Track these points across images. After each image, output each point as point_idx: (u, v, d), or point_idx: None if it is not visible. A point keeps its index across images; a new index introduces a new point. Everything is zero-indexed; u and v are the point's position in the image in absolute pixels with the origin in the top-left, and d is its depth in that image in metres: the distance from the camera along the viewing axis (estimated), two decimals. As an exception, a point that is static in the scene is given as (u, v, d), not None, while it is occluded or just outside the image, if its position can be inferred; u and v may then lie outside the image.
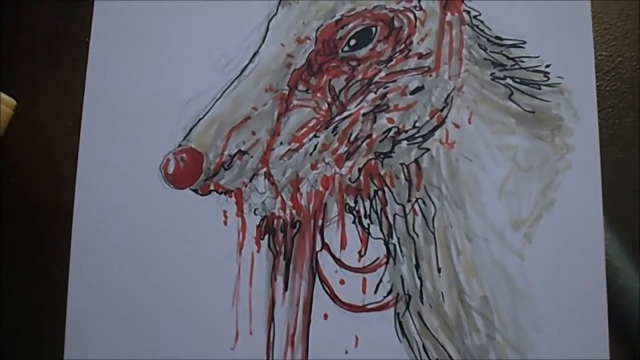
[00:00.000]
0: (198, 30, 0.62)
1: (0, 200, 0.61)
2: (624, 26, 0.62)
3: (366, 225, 0.58)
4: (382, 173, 0.58)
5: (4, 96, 0.61)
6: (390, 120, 0.58)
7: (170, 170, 0.57)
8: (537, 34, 0.60)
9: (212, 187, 0.58)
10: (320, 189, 0.58)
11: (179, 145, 0.58)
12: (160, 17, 0.63)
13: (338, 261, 0.58)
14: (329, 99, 0.58)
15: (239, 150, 0.57)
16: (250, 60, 0.60)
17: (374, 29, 0.59)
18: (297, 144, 0.58)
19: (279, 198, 0.58)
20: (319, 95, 0.58)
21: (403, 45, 0.59)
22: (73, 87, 0.62)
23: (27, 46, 0.64)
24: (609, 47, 0.62)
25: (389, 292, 0.58)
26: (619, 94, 0.61)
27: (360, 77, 0.59)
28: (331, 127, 0.58)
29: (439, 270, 0.58)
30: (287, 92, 0.58)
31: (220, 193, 0.58)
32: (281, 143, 0.58)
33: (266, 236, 0.58)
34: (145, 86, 0.61)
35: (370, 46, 0.59)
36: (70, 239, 0.59)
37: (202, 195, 0.58)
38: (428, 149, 0.58)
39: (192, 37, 0.62)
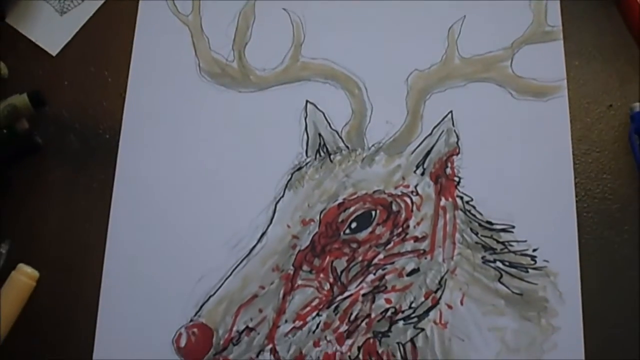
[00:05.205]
0: (210, 212, 0.67)
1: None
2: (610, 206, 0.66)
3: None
4: (380, 351, 0.62)
5: (27, 268, 0.66)
6: (388, 300, 0.62)
7: (182, 343, 0.61)
8: (525, 219, 0.65)
9: (220, 362, 0.61)
10: (323, 366, 0.62)
11: (191, 320, 0.62)
12: (174, 199, 0.67)
13: None
14: (331, 280, 0.62)
15: (247, 327, 0.61)
16: (259, 241, 0.65)
17: (373, 212, 0.64)
18: (301, 322, 0.62)
19: (284, 374, 0.62)
20: (322, 275, 0.62)
21: (400, 229, 0.64)
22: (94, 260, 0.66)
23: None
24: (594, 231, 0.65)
25: None
26: (603, 277, 0.63)
27: (360, 258, 0.63)
28: (333, 307, 0.62)
29: None
30: (292, 272, 0.63)
31: (228, 368, 0.62)
32: (286, 321, 0.62)
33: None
34: (160, 265, 0.66)
35: (370, 229, 0.63)
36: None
37: (210, 369, 0.61)
38: (423, 329, 0.62)
39: (204, 218, 0.66)
